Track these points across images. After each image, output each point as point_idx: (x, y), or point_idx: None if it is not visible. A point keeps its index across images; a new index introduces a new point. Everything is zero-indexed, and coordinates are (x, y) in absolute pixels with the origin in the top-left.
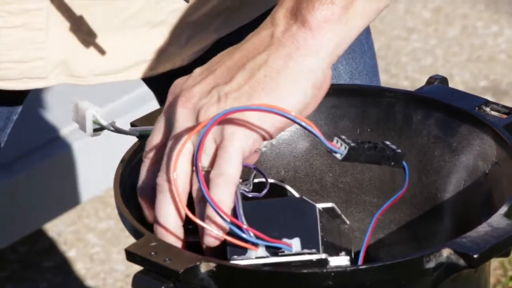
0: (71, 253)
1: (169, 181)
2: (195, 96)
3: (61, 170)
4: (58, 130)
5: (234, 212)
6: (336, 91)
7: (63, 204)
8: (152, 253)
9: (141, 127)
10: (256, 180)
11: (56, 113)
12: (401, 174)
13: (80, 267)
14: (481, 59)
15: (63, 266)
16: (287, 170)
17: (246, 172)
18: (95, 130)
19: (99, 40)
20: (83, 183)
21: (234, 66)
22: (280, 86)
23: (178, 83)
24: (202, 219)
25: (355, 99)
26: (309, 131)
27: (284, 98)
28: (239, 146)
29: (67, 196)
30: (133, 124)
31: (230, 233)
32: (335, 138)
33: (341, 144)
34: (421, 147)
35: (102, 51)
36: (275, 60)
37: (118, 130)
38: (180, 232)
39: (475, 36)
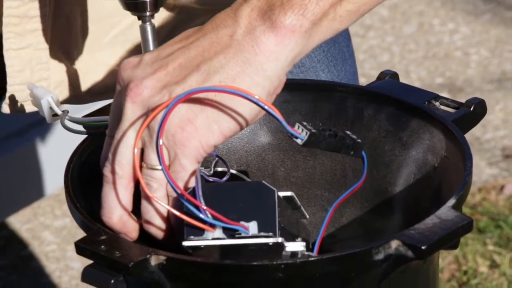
0: (26, 251)
1: (113, 172)
2: (144, 91)
3: (16, 168)
4: (11, 127)
5: (193, 193)
6: (288, 86)
7: (18, 201)
8: (102, 246)
9: (93, 117)
10: (218, 169)
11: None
12: (352, 168)
13: (35, 265)
14: (437, 56)
15: (18, 265)
16: (239, 165)
17: (208, 160)
18: (54, 115)
19: (92, 58)
20: (39, 180)
21: (188, 64)
22: (243, 90)
23: (126, 68)
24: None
25: (306, 94)
26: (271, 114)
27: (238, 105)
28: (193, 157)
29: (22, 194)
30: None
31: (188, 213)
32: (297, 124)
33: (302, 130)
34: (372, 142)
35: (95, 69)
36: (233, 66)
37: (72, 120)
38: (129, 222)
39: (431, 34)
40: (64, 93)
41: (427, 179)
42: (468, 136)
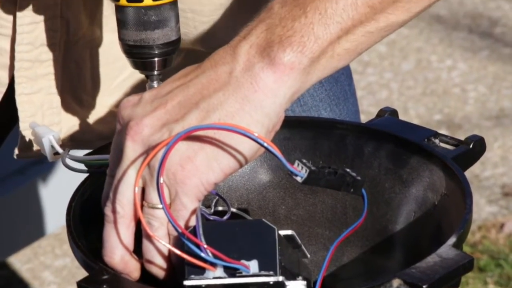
0: None
1: (114, 211)
2: (145, 130)
3: (17, 207)
4: (12, 166)
5: (194, 232)
6: (288, 123)
7: (19, 241)
8: (104, 286)
9: (94, 156)
10: (219, 208)
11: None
12: (353, 206)
13: None
14: (436, 93)
15: None
16: (240, 203)
17: (208, 198)
18: (55, 154)
19: (101, 103)
20: (40, 219)
21: (187, 102)
22: (242, 127)
23: (126, 107)
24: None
25: (306, 131)
26: (271, 152)
27: (238, 143)
28: (194, 195)
29: (23, 233)
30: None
31: (189, 252)
32: (296, 161)
33: (302, 167)
34: (372, 179)
35: (104, 114)
36: (231, 103)
37: (73, 158)
38: (130, 262)
39: (430, 70)
40: (74, 137)
41: (428, 217)
42: (467, 173)
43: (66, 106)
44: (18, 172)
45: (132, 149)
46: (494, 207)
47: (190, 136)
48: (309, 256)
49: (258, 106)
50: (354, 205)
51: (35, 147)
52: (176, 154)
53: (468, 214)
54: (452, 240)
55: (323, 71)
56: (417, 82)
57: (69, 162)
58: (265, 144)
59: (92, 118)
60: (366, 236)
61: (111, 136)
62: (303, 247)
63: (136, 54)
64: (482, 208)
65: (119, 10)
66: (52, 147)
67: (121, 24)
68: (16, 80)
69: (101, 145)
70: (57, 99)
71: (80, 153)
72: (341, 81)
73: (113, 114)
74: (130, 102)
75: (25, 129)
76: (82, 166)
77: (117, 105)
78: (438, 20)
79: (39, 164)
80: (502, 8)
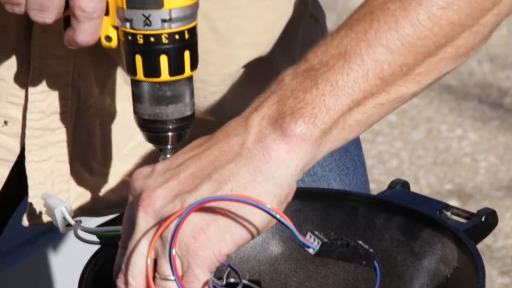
0: None
1: (126, 283)
2: (157, 201)
3: (28, 277)
4: (23, 236)
5: None
6: (299, 195)
7: None
8: None
9: (106, 228)
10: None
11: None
12: (365, 279)
13: None
14: (446, 163)
15: None
16: (251, 274)
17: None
18: (67, 225)
19: (111, 171)
20: None
21: (199, 173)
22: (254, 199)
23: (138, 178)
24: None
25: (318, 202)
26: (283, 223)
27: (250, 214)
28: (206, 267)
29: None
30: (98, 227)
31: None
32: (309, 233)
33: (314, 239)
34: (384, 251)
35: (114, 182)
36: (244, 174)
37: (85, 230)
38: None
39: (440, 140)
40: (83, 205)
41: None
42: (479, 244)
43: (75, 173)
44: (27, 242)
45: (144, 220)
46: (506, 278)
47: (202, 208)
48: None
49: (270, 177)
50: (366, 277)
51: (46, 218)
52: (188, 225)
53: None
54: None
55: (334, 142)
56: (428, 151)
57: (81, 233)
58: (277, 216)
59: (101, 186)
60: None
61: (120, 204)
62: None
63: (151, 128)
64: (494, 280)
65: (135, 84)
66: (64, 218)
67: (136, 97)
68: (27, 148)
69: (110, 213)
70: (66, 167)
71: (92, 223)
72: (351, 151)
73: (122, 182)
74: (143, 174)
75: (34, 196)
76: (94, 238)
77: (127, 173)
78: (448, 90)
79: (49, 234)
80: None
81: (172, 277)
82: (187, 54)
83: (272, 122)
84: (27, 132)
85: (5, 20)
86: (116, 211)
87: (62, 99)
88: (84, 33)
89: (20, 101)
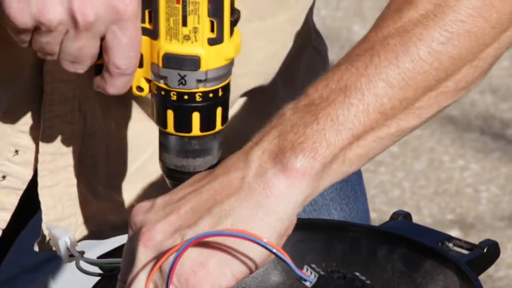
0: None
1: None
2: (157, 235)
3: None
4: (26, 262)
5: None
6: (301, 226)
7: None
8: None
9: (108, 259)
10: None
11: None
12: None
13: None
14: (448, 193)
15: None
16: None
17: None
18: (70, 256)
19: (116, 193)
20: None
21: (199, 208)
22: (251, 234)
23: (139, 213)
24: None
25: (320, 233)
26: (280, 258)
27: (249, 249)
28: None
29: None
30: (100, 258)
31: None
32: (305, 266)
33: (311, 272)
34: (386, 282)
35: (118, 206)
36: (244, 209)
37: (87, 261)
38: None
39: (442, 170)
40: (88, 228)
41: None
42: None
43: (82, 197)
44: (31, 269)
45: (144, 254)
46: None
47: (202, 242)
48: None
49: (271, 211)
50: None
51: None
52: (188, 259)
53: None
54: None
55: (334, 176)
56: (430, 181)
57: (83, 264)
58: (274, 250)
59: (106, 208)
60: None
61: (123, 226)
62: None
63: (177, 178)
64: None
65: (163, 135)
66: (68, 249)
67: (164, 148)
68: (40, 173)
69: (114, 235)
70: (74, 191)
71: (95, 252)
72: (352, 180)
73: (126, 205)
74: (143, 208)
75: (47, 221)
76: (95, 269)
77: (131, 195)
78: (450, 121)
79: (53, 261)
80: None
81: None
82: (219, 110)
83: (272, 156)
84: (40, 157)
85: (21, 50)
86: (120, 232)
87: (70, 123)
88: (116, 87)
89: (31, 130)
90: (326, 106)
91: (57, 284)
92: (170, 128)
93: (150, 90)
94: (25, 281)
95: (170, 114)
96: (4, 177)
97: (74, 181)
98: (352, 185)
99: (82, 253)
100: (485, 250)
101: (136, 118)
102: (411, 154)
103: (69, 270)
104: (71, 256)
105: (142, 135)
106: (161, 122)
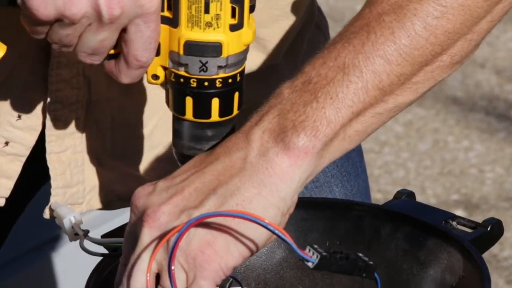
0: None
1: None
2: (162, 217)
3: (33, 284)
4: (29, 243)
5: None
6: (304, 204)
7: None
8: None
9: (112, 239)
10: None
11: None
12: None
13: None
14: (453, 173)
15: None
16: (257, 283)
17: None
18: (76, 234)
19: (120, 164)
20: None
21: (204, 189)
22: (253, 214)
23: (140, 196)
24: None
25: (323, 212)
26: (282, 238)
27: (253, 229)
28: (212, 279)
29: None
30: (104, 237)
31: None
32: (307, 247)
33: (313, 253)
34: (390, 260)
35: (124, 176)
36: (248, 188)
37: (91, 240)
38: None
39: (446, 151)
40: (96, 198)
41: None
42: (485, 253)
43: (88, 165)
44: (35, 249)
45: (148, 235)
46: None
47: (208, 222)
48: None
49: (275, 190)
50: (372, 285)
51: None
52: (195, 239)
53: None
54: None
55: (334, 153)
56: (434, 162)
57: (87, 243)
58: (276, 231)
59: (112, 179)
60: None
61: (130, 197)
62: None
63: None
64: None
65: (179, 121)
66: (73, 227)
67: (177, 133)
68: (47, 138)
69: (121, 206)
70: (81, 158)
71: (100, 231)
72: (353, 157)
73: (132, 176)
74: (145, 191)
75: (56, 187)
76: (100, 248)
77: (136, 167)
78: (454, 102)
79: (56, 241)
80: None
81: None
82: (236, 95)
83: (274, 136)
84: (48, 123)
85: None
86: (127, 204)
87: (75, 88)
88: (131, 77)
89: (38, 95)
90: (325, 84)
91: (60, 264)
92: (189, 115)
93: (165, 78)
94: (29, 261)
95: (189, 101)
96: (7, 143)
97: (80, 148)
98: (353, 162)
99: (86, 232)
100: (488, 229)
101: (140, 87)
102: (415, 134)
103: (72, 250)
104: (76, 235)
105: (147, 105)
106: (179, 109)
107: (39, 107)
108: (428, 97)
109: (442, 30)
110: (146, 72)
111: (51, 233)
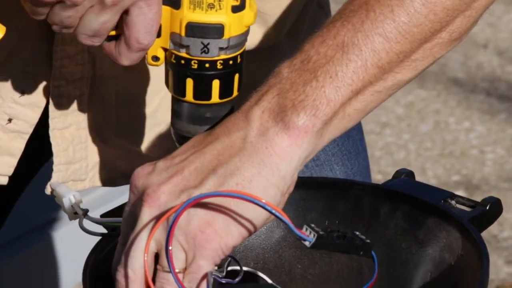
0: None
1: (126, 276)
2: (162, 196)
3: (33, 264)
4: (30, 223)
5: None
6: (304, 184)
7: None
8: None
9: (111, 218)
10: (230, 268)
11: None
12: (369, 266)
13: None
14: (453, 154)
15: None
16: (256, 262)
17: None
18: (75, 213)
19: (124, 142)
20: (55, 277)
21: (204, 169)
22: (251, 194)
23: (140, 176)
24: None
25: (323, 191)
26: (279, 218)
27: (252, 208)
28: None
29: None
30: (103, 216)
31: None
32: (305, 226)
33: (310, 232)
34: (389, 240)
35: (127, 153)
36: (248, 168)
37: (90, 219)
38: None
39: (447, 132)
40: (99, 175)
41: (444, 277)
42: (485, 234)
43: (91, 142)
44: (35, 229)
45: (148, 214)
46: None
47: (208, 202)
48: None
49: (275, 169)
50: (370, 264)
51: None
52: (194, 219)
53: (484, 275)
54: None
55: (334, 132)
56: (435, 143)
57: (86, 223)
58: (273, 211)
59: (115, 155)
60: None
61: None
62: None
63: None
64: (500, 269)
65: (179, 103)
66: (72, 207)
67: (176, 114)
68: (51, 115)
69: (125, 183)
70: (85, 134)
71: (101, 210)
72: (353, 136)
73: (134, 153)
74: (144, 171)
75: (58, 164)
76: (99, 227)
77: (139, 145)
78: (456, 83)
79: (56, 221)
80: None
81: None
82: (237, 77)
83: (273, 115)
84: (51, 99)
85: None
86: (129, 181)
87: (80, 65)
88: (130, 60)
89: (42, 71)
90: (324, 63)
91: (60, 244)
92: (189, 96)
93: (166, 59)
94: (28, 241)
95: (189, 82)
96: (10, 120)
97: (84, 124)
98: (354, 141)
99: (86, 211)
100: (487, 207)
101: (144, 66)
102: (416, 116)
103: (72, 231)
104: (76, 214)
105: (151, 82)
106: (179, 91)
107: (43, 84)
108: (430, 79)
109: (441, 7)
110: (146, 54)
111: (51, 213)
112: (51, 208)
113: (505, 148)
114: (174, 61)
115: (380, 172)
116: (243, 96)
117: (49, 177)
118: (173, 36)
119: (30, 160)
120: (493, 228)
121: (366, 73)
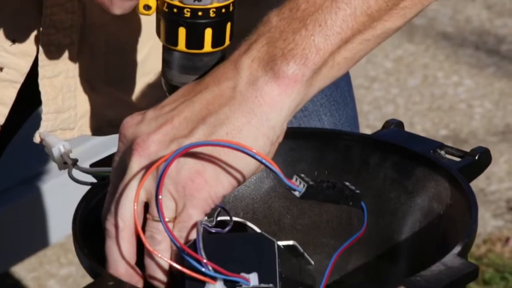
0: None
1: (116, 225)
2: (152, 146)
3: (23, 216)
4: (19, 176)
5: (194, 246)
6: (293, 134)
7: (24, 250)
8: None
9: (101, 168)
10: (220, 218)
11: (15, 160)
12: (358, 216)
13: None
14: (442, 108)
15: None
16: (245, 212)
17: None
18: (65, 163)
19: (113, 91)
20: (45, 229)
21: (194, 118)
22: (241, 144)
23: (129, 125)
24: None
25: (312, 142)
26: (269, 168)
27: (242, 158)
28: (201, 208)
29: (28, 242)
30: (92, 166)
31: (189, 266)
32: (294, 176)
33: (300, 182)
34: (377, 190)
35: (116, 102)
36: (238, 117)
37: (80, 169)
38: (135, 274)
39: (436, 86)
40: (88, 124)
41: (433, 226)
42: (473, 187)
43: (81, 90)
44: (24, 181)
45: (137, 163)
46: (500, 221)
47: (197, 151)
48: (313, 263)
49: (264, 119)
50: (359, 214)
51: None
52: (184, 168)
53: (473, 223)
54: (457, 249)
55: (323, 81)
56: (424, 97)
57: (76, 173)
58: (263, 160)
59: (104, 104)
60: (371, 245)
61: (120, 124)
62: (306, 255)
63: None
64: (488, 222)
65: (170, 52)
66: (62, 157)
67: (167, 63)
68: (40, 63)
69: (112, 132)
70: (74, 82)
71: (87, 163)
72: (341, 86)
73: (123, 102)
74: (134, 121)
75: (47, 112)
76: (88, 177)
77: (128, 93)
78: (444, 37)
79: (45, 174)
80: (509, 25)
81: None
82: (229, 25)
83: (263, 64)
84: (41, 47)
85: None
86: (117, 130)
87: (70, 13)
88: (122, 8)
89: (31, 20)
90: (313, 11)
91: (49, 194)
92: (181, 45)
93: (157, 8)
94: (17, 193)
95: (182, 31)
96: (1, 69)
97: (73, 73)
98: (342, 91)
99: (75, 161)
100: (476, 157)
101: (135, 14)
102: (405, 70)
103: (61, 183)
104: (65, 164)
105: (141, 31)
106: (172, 40)
107: (34, 33)
108: (418, 33)
109: None
110: (138, 3)
111: (40, 165)
112: (40, 160)
113: (493, 102)
114: (166, 10)
115: (369, 126)
116: (232, 46)
117: (36, 127)
118: None
119: (21, 109)
120: (481, 182)
121: (355, 21)
